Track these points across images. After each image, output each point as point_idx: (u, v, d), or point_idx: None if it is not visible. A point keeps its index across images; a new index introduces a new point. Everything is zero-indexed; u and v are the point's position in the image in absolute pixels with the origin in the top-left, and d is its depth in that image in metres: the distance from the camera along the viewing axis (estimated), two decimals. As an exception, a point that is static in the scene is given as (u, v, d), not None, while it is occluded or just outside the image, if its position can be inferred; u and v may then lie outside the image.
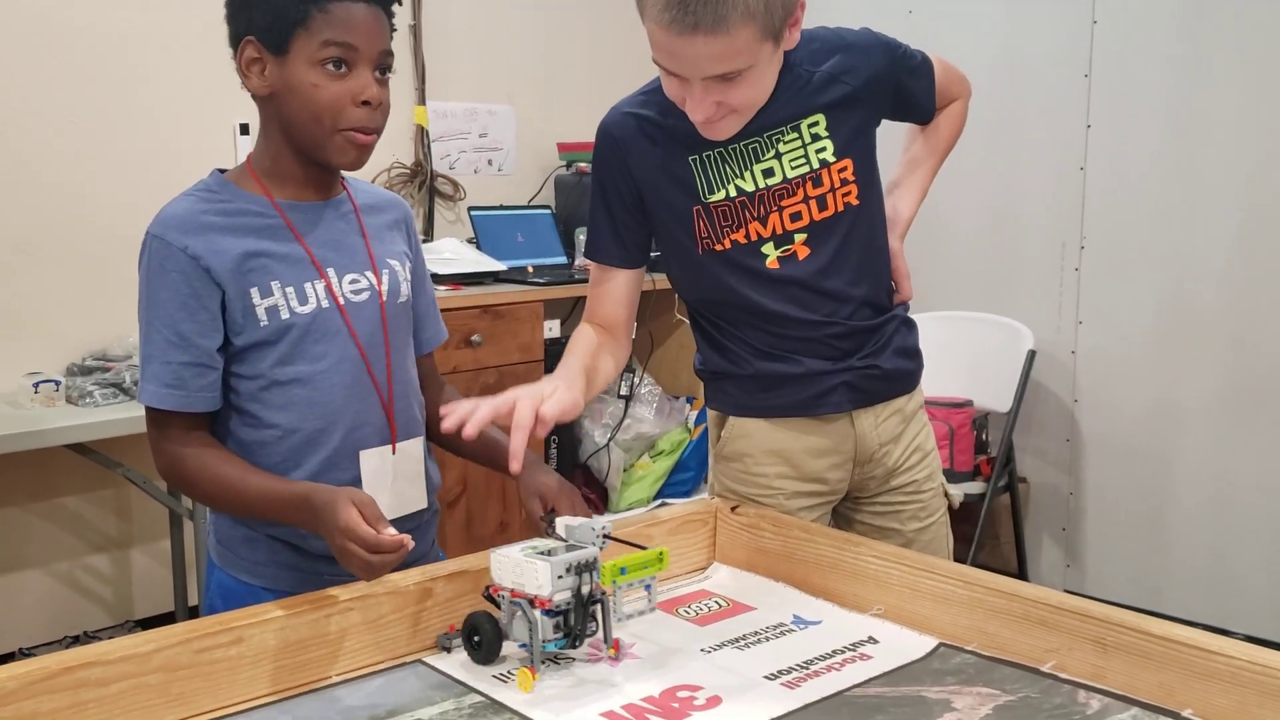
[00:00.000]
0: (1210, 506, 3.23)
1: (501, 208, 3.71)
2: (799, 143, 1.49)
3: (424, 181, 3.63)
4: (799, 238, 1.51)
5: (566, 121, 3.87)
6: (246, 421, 1.35)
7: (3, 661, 1.25)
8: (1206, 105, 3.16)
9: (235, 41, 1.33)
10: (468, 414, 1.22)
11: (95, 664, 1.04)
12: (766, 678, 1.16)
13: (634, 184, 1.54)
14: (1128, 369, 3.38)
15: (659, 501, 3.64)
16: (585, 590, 1.15)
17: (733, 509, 1.53)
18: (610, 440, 3.56)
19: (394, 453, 1.41)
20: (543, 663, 1.16)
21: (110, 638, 1.12)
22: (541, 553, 1.15)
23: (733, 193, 1.50)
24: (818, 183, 1.50)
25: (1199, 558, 3.26)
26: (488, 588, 1.19)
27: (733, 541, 1.52)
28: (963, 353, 3.48)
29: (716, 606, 1.37)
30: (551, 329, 3.32)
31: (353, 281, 1.39)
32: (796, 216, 1.51)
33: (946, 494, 1.66)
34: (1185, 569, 3.28)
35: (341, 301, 1.37)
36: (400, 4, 1.38)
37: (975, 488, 3.36)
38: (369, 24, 1.31)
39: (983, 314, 3.56)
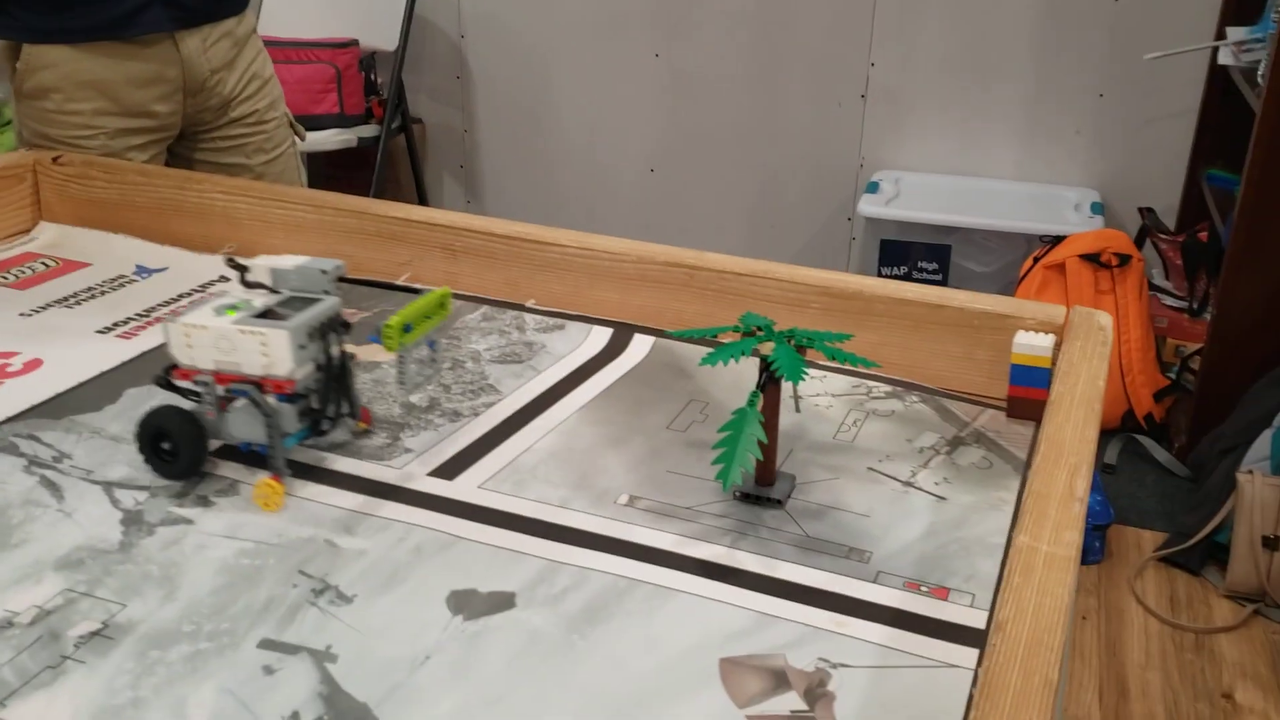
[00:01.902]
0: (585, 129, 3.45)
1: None
2: None
3: None
4: None
5: None
6: None
7: None
8: None
9: None
10: None
11: None
12: (98, 332, 1.05)
13: None
14: (509, 1, 3.40)
15: None
16: (334, 357, 0.81)
17: (55, 159, 1.33)
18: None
19: None
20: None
21: None
22: (257, 315, 0.78)
23: None
24: None
25: (579, 179, 3.50)
26: (168, 370, 0.80)
27: (60, 196, 1.32)
28: (340, -13, 3.30)
29: (44, 268, 1.21)
30: None
31: None
32: None
33: (293, 126, 1.57)
34: (570, 191, 3.52)
35: None
36: None
37: (369, 131, 3.29)
38: None
39: (357, -56, 3.37)
